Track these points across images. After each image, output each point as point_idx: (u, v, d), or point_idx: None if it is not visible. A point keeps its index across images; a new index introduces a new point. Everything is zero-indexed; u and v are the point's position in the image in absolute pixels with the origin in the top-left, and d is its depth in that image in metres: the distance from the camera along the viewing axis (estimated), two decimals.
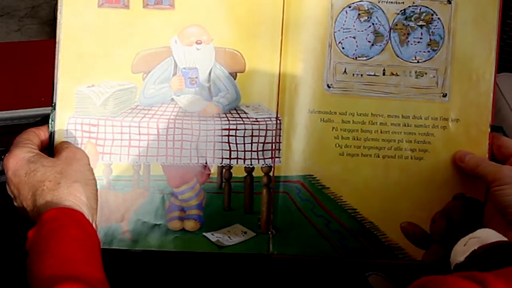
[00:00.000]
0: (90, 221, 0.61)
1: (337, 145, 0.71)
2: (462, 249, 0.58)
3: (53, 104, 0.70)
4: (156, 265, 0.73)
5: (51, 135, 0.69)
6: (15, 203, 0.64)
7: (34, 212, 0.60)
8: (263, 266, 0.73)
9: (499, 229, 0.63)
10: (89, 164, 0.66)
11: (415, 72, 0.71)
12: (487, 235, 0.59)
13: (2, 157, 1.06)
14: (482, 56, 0.71)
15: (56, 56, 0.69)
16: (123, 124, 0.70)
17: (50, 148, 0.69)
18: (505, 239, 0.59)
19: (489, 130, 0.71)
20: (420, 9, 0.71)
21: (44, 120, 0.72)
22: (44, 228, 0.57)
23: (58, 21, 0.69)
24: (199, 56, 0.70)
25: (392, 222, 0.72)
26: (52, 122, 0.69)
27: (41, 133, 0.68)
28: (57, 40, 0.69)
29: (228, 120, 0.70)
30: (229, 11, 0.70)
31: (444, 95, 0.71)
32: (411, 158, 0.71)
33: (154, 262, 0.73)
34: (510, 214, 0.63)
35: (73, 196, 0.61)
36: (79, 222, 0.59)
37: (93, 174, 0.66)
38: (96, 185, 0.66)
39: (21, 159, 0.63)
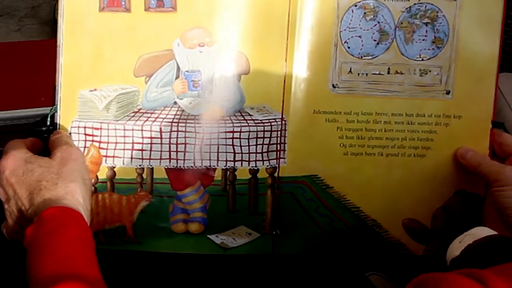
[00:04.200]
0: (86, 221, 0.61)
1: (341, 144, 0.71)
2: (458, 246, 0.59)
3: (54, 107, 0.69)
4: (161, 267, 0.73)
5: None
6: (6, 205, 0.64)
7: (31, 211, 0.60)
8: (268, 267, 0.73)
9: (497, 224, 0.64)
10: (85, 163, 0.67)
11: (419, 70, 0.71)
12: (481, 232, 0.59)
13: None
14: (486, 52, 0.71)
15: (58, 61, 0.69)
16: (126, 127, 0.70)
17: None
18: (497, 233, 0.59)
19: (491, 126, 0.71)
20: (425, 6, 0.70)
21: (43, 120, 0.72)
22: (43, 226, 0.57)
23: (59, 25, 0.68)
24: (202, 59, 0.70)
25: (394, 219, 0.72)
26: (50, 122, 0.70)
27: (27, 142, 0.68)
28: (58, 44, 0.69)
29: (232, 123, 0.70)
30: (233, 12, 0.69)
31: (448, 92, 0.71)
32: (414, 155, 0.71)
33: (158, 264, 0.73)
34: (508, 216, 0.63)
35: (70, 196, 0.61)
36: (78, 222, 0.59)
37: (88, 173, 0.66)
38: (91, 186, 0.66)
39: (19, 159, 0.63)
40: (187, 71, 0.70)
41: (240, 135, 0.70)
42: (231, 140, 0.70)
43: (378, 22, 0.70)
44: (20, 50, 1.21)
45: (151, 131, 0.69)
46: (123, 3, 0.68)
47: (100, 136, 0.70)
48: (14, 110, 1.03)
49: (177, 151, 0.70)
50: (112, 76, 0.69)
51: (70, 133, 0.69)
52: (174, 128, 0.70)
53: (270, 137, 0.70)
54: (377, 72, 0.71)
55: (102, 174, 0.70)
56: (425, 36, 0.71)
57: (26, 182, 0.62)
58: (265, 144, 0.70)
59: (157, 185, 0.71)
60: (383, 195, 0.72)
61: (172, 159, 0.70)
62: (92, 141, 0.70)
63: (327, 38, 0.70)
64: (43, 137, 0.72)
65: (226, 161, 0.70)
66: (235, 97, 0.70)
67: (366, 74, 0.71)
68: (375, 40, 0.70)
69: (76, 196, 0.61)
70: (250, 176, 0.71)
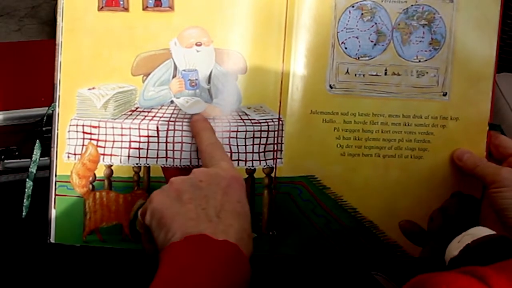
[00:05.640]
0: None
1: (338, 145, 0.71)
2: (457, 246, 0.59)
3: (52, 105, 0.70)
4: (157, 266, 0.73)
5: (53, 136, 0.70)
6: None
7: None
8: (264, 267, 0.73)
9: (496, 226, 0.63)
10: None
11: (416, 72, 0.71)
12: (480, 232, 0.59)
13: (2, 157, 1.07)
14: (483, 54, 0.71)
15: (57, 59, 0.70)
16: (123, 126, 0.70)
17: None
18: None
19: (488, 128, 0.71)
20: (422, 8, 0.71)
21: (43, 120, 0.72)
22: None
23: (58, 24, 0.69)
24: (199, 58, 0.70)
25: (391, 220, 0.72)
26: (46, 121, 0.70)
27: None
28: (57, 43, 0.69)
29: (229, 122, 0.70)
30: (230, 12, 0.70)
31: (444, 94, 0.71)
32: (411, 157, 0.71)
33: (154, 263, 0.73)
34: (506, 217, 0.63)
35: None
36: None
37: None
38: None
39: None
40: (184, 70, 0.70)
41: (236, 134, 0.70)
42: (227, 139, 0.70)
43: (375, 23, 0.71)
44: (20, 50, 1.22)
45: (148, 129, 0.70)
46: (121, 2, 0.69)
47: (98, 134, 0.70)
48: (14, 110, 1.03)
49: (173, 150, 0.70)
50: (110, 74, 0.70)
51: (68, 131, 0.70)
52: (171, 127, 0.70)
53: (267, 137, 0.70)
54: (374, 73, 0.71)
55: (100, 172, 0.70)
56: (422, 37, 0.71)
57: None
58: (262, 144, 0.71)
59: (154, 184, 0.71)
60: (380, 196, 0.72)
61: (169, 157, 0.70)
62: (90, 139, 0.70)
63: (324, 39, 0.70)
64: (43, 137, 0.73)
65: None
66: (232, 97, 0.70)
67: (363, 75, 0.71)
68: (372, 41, 0.71)
69: None
70: (247, 176, 0.71)
